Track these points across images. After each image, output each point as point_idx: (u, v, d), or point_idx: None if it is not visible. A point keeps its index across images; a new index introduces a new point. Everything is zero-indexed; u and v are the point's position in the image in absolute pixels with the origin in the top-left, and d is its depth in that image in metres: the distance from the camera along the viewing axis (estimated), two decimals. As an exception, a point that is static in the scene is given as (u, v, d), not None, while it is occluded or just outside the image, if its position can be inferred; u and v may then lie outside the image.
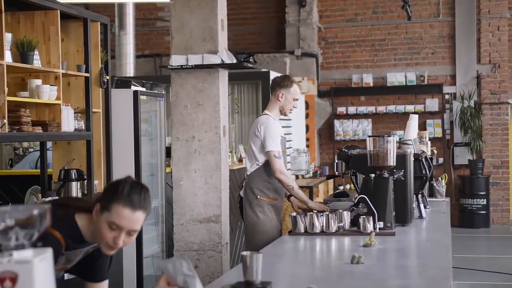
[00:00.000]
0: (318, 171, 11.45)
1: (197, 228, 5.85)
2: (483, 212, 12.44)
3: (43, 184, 5.82)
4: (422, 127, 12.54)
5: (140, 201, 2.60)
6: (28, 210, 1.83)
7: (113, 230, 2.58)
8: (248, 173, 5.39)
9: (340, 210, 4.46)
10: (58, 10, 5.35)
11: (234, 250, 7.54)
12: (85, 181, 5.75)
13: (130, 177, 2.69)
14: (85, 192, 5.79)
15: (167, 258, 2.72)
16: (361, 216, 4.31)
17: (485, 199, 12.42)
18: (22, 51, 4.96)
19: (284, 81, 5.42)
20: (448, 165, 12.84)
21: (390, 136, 4.49)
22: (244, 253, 2.78)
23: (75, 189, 5.61)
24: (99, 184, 6.02)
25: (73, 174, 5.60)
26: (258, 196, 5.28)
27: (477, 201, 12.39)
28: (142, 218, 2.61)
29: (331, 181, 11.73)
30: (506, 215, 12.81)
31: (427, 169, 5.11)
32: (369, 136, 4.53)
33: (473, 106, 12.51)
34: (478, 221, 12.40)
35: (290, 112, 5.52)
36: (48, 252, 1.85)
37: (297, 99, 5.45)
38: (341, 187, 12.45)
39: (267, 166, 5.26)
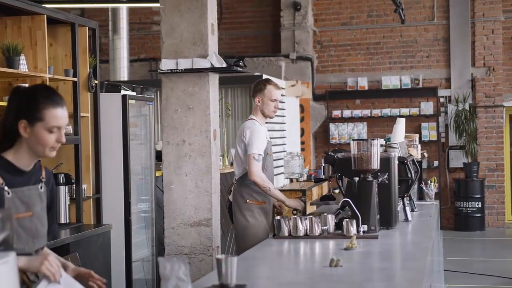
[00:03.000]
0: (313, 175, 11.46)
1: (188, 231, 5.86)
2: (478, 215, 12.44)
3: (31, 188, 5.82)
4: (417, 130, 12.55)
5: (59, 97, 2.79)
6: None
7: (53, 133, 2.72)
8: (236, 178, 5.44)
9: (325, 214, 4.47)
10: (45, 15, 5.37)
11: (225, 254, 7.54)
12: (73, 185, 5.76)
13: (35, 84, 2.83)
14: (74, 196, 5.80)
15: (169, 256, 2.74)
16: (345, 220, 4.32)
17: (480, 202, 12.42)
18: (8, 56, 4.98)
19: (258, 85, 5.53)
20: (443, 168, 12.85)
21: (374, 139, 4.50)
22: (219, 256, 2.81)
23: (63, 193, 5.61)
24: (87, 188, 6.03)
25: (61, 178, 5.60)
26: (248, 200, 5.34)
27: (472, 204, 12.40)
28: (66, 111, 2.80)
29: (325, 185, 11.75)
30: (501, 218, 12.80)
31: (412, 173, 5.11)
32: (353, 140, 4.54)
33: (468, 109, 12.52)
34: (473, 224, 12.41)
35: (275, 113, 5.57)
36: (11, 256, 1.87)
37: (275, 100, 5.49)
38: (337, 191, 12.48)
39: None
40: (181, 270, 2.69)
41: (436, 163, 12.73)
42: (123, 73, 10.39)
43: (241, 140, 5.39)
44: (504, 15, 12.80)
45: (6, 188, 2.68)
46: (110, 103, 6.42)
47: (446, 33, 12.94)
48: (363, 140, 4.52)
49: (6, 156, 2.75)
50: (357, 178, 4.48)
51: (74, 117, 5.78)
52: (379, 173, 4.55)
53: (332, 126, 13.12)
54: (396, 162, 4.78)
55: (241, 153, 5.40)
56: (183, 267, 2.70)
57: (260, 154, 5.27)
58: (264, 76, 10.41)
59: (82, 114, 5.93)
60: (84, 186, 5.86)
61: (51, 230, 2.95)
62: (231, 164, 8.43)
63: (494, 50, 12.74)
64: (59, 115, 2.74)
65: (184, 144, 6.22)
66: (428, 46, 13.03)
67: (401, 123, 5.58)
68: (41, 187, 2.85)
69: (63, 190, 5.62)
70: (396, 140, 5.38)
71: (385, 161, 4.62)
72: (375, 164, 4.46)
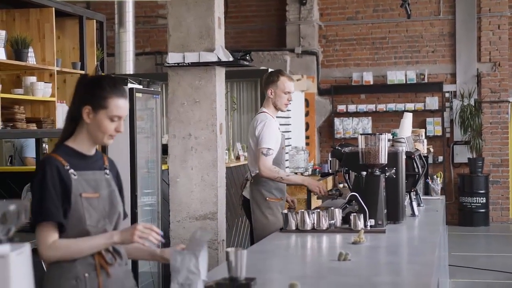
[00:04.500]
0: (318, 169, 11.46)
1: (194, 225, 5.86)
2: (483, 210, 12.44)
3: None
4: (422, 125, 12.54)
5: (123, 88, 2.91)
6: (5, 206, 1.85)
7: (114, 121, 2.83)
8: (253, 174, 5.30)
9: (332, 208, 4.47)
10: (53, 8, 5.38)
11: (231, 247, 7.55)
12: (81, 177, 5.77)
13: (102, 74, 2.94)
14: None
15: (181, 250, 2.78)
16: (352, 214, 4.32)
17: (484, 198, 12.42)
18: (17, 48, 4.99)
19: (270, 77, 5.39)
20: (448, 164, 12.84)
21: (381, 134, 4.50)
22: (229, 249, 2.81)
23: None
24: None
25: (69, 171, 5.61)
26: (267, 198, 5.23)
27: (476, 199, 12.40)
28: (128, 102, 2.93)
29: (330, 179, 11.75)
30: (506, 214, 12.81)
31: (419, 167, 5.11)
32: (360, 134, 4.54)
33: (473, 105, 12.51)
34: (478, 220, 12.41)
35: (286, 106, 5.42)
36: (26, 247, 1.88)
37: (288, 92, 5.35)
38: (341, 185, 12.48)
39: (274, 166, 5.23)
40: (191, 262, 2.70)
41: (440, 158, 12.72)
42: (129, 67, 10.39)
43: (253, 134, 5.28)
44: (510, 10, 12.78)
45: (72, 170, 2.82)
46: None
47: (452, 28, 12.92)
48: (371, 134, 4.52)
49: (67, 143, 2.89)
50: (364, 173, 4.47)
51: (82, 110, 5.78)
52: (386, 168, 4.55)
53: (337, 121, 13.12)
54: (404, 156, 4.78)
55: (255, 148, 5.29)
56: (193, 260, 2.70)
57: (269, 149, 5.15)
58: (270, 70, 10.43)
59: (89, 107, 5.93)
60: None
61: (125, 215, 3.06)
62: (237, 158, 8.44)
63: (500, 45, 12.72)
64: (122, 106, 2.86)
65: (190, 137, 6.22)
66: (433, 41, 13.01)
67: (408, 118, 5.58)
68: (106, 173, 2.97)
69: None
70: (403, 134, 5.38)
71: (393, 156, 4.62)
72: (383, 159, 4.46)
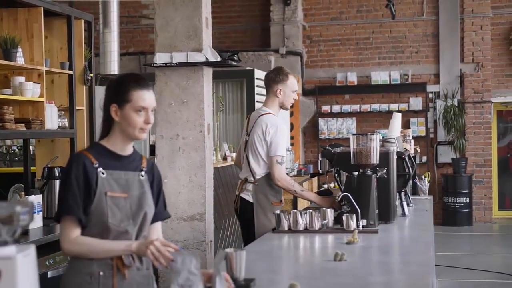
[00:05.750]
0: (303, 169, 11.48)
1: (181, 226, 5.85)
2: (466, 210, 12.52)
3: (26, 182, 5.78)
4: (406, 125, 12.60)
5: (146, 82, 2.97)
6: (11, 206, 1.83)
7: (141, 114, 2.88)
8: (258, 177, 5.12)
9: (324, 208, 4.47)
10: (42, 7, 5.33)
11: (219, 248, 7.54)
12: (69, 179, 5.72)
13: (125, 73, 3.05)
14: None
15: (182, 250, 2.79)
16: (344, 214, 4.32)
17: (468, 197, 12.50)
18: (5, 48, 4.94)
19: (280, 75, 5.16)
20: (432, 164, 12.92)
21: (373, 134, 4.51)
22: (228, 250, 2.80)
23: (59, 188, 5.57)
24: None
25: (57, 172, 5.56)
26: (273, 202, 5.10)
27: (460, 199, 12.48)
28: (154, 95, 2.97)
29: (315, 179, 11.78)
30: (489, 213, 12.90)
31: (410, 167, 5.13)
32: (352, 134, 4.55)
33: (457, 105, 12.59)
34: (461, 219, 12.49)
35: (291, 105, 5.29)
36: (31, 249, 1.85)
37: (295, 91, 5.21)
38: (325, 185, 12.51)
39: None
40: (192, 264, 2.69)
41: (424, 158, 12.79)
42: (114, 67, 10.33)
43: (263, 138, 5.04)
44: (493, 11, 12.87)
45: (100, 169, 2.87)
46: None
47: (435, 29, 12.99)
48: (362, 135, 4.52)
49: (101, 143, 2.96)
50: (356, 173, 4.48)
51: (70, 110, 5.74)
52: (378, 168, 4.56)
53: (321, 121, 13.14)
54: (395, 156, 4.79)
55: (263, 152, 5.06)
56: (194, 261, 2.69)
57: (283, 156, 4.98)
58: (258, 71, 10.44)
59: (77, 108, 5.89)
60: (79, 180, 5.81)
61: (164, 216, 3.11)
62: (224, 159, 8.42)
63: (483, 46, 12.81)
64: (145, 97, 2.90)
65: (178, 138, 6.20)
66: (417, 41, 13.07)
67: (397, 118, 5.59)
68: (141, 175, 2.99)
69: (58, 184, 5.58)
70: (392, 135, 5.39)
71: (384, 156, 4.63)
72: (375, 159, 4.47)
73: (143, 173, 3.00)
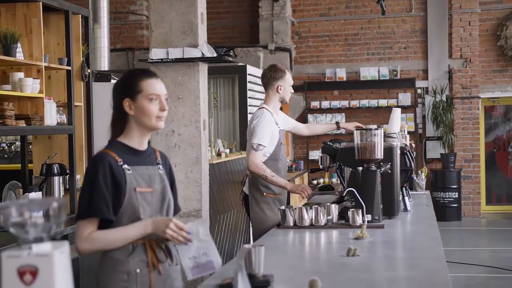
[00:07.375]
0: (294, 166, 11.49)
1: (178, 223, 5.82)
2: (455, 205, 12.59)
3: (23, 179, 5.72)
4: (395, 121, 12.61)
5: (153, 72, 2.98)
6: (47, 203, 1.81)
7: (154, 101, 2.87)
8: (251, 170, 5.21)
9: (328, 203, 4.46)
10: (41, 2, 5.27)
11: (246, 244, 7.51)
12: (68, 175, 5.68)
13: (126, 70, 3.08)
14: (67, 187, 5.72)
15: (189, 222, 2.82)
16: (350, 209, 4.32)
17: (456, 193, 12.57)
18: (5, 44, 4.89)
19: (278, 72, 5.40)
20: (421, 159, 12.96)
21: (377, 129, 4.50)
22: (247, 246, 2.78)
23: (57, 184, 5.53)
24: (81, 179, 5.95)
25: (55, 168, 5.52)
26: (264, 193, 5.22)
27: (449, 194, 12.54)
28: (163, 84, 2.97)
29: (305, 175, 11.78)
30: (477, 208, 12.97)
31: (412, 162, 5.15)
32: (356, 129, 4.54)
33: (445, 101, 12.64)
34: (450, 214, 12.55)
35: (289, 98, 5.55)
36: (66, 245, 1.83)
37: (292, 84, 5.53)
38: (322, 180, 12.52)
39: (271, 161, 5.20)
40: (200, 231, 2.73)
41: (414, 153, 12.81)
42: (104, 63, 10.26)
43: (249, 130, 5.30)
44: (481, 7, 12.93)
45: (125, 166, 2.86)
46: (102, 92, 6.33)
47: (423, 25, 13.03)
48: (366, 129, 4.52)
49: (119, 139, 2.93)
50: (360, 168, 4.48)
51: (68, 106, 5.69)
52: (381, 163, 4.56)
53: (310, 117, 13.14)
54: (398, 151, 4.80)
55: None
56: (201, 229, 2.73)
57: (259, 144, 5.12)
58: (250, 67, 10.41)
59: (75, 104, 5.84)
60: (77, 176, 5.78)
61: (178, 208, 3.09)
62: (218, 155, 8.39)
63: (471, 41, 12.86)
64: (155, 84, 2.90)
65: (174, 134, 6.17)
66: (405, 37, 13.11)
67: (397, 113, 5.60)
68: (160, 169, 2.98)
69: (57, 181, 5.54)
70: (393, 130, 5.39)
71: (388, 151, 4.64)
72: (379, 154, 4.47)
73: (160, 166, 3.00)
